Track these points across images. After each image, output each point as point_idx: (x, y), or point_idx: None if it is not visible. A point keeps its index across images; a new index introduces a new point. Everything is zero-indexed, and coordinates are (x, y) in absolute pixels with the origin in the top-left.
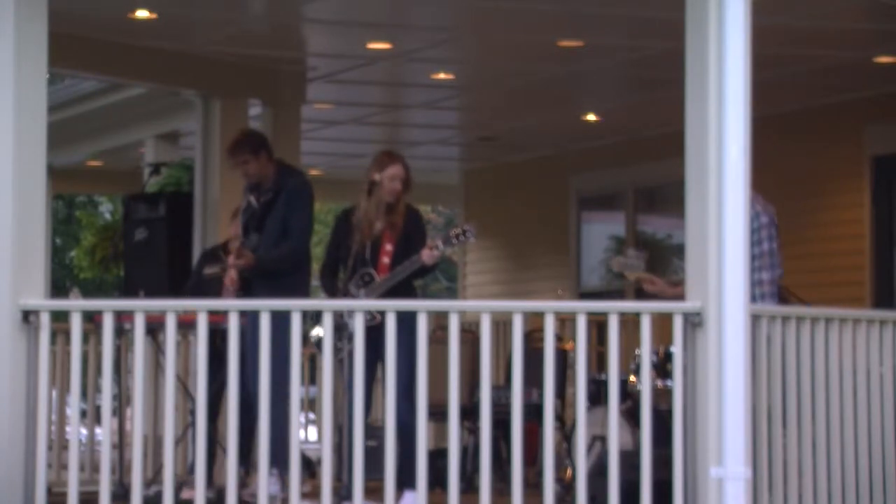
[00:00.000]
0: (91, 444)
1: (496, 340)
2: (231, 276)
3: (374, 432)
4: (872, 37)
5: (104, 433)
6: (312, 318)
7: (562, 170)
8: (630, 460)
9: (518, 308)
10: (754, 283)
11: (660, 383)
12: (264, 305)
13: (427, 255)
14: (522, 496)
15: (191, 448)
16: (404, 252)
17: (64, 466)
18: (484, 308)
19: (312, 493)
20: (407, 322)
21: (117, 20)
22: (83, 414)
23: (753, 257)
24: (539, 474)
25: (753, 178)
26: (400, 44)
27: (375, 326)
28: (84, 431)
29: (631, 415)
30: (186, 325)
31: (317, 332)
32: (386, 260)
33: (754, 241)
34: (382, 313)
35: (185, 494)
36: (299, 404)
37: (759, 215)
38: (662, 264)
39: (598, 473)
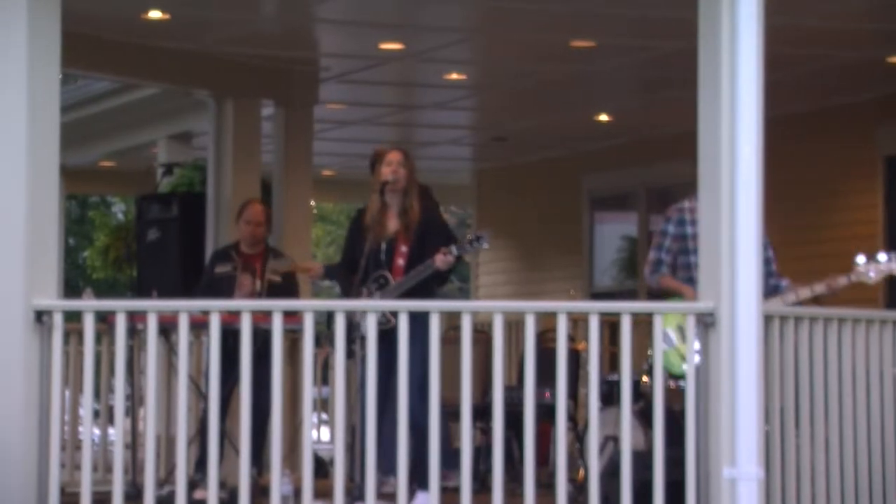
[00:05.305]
0: (104, 445)
1: (509, 341)
2: (247, 278)
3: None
4: (885, 37)
5: (117, 433)
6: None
7: (574, 170)
8: (643, 460)
9: (530, 308)
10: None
11: (672, 384)
12: (276, 306)
13: (441, 261)
14: (535, 496)
15: (200, 448)
16: (419, 255)
17: (77, 466)
18: (496, 308)
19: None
20: (421, 323)
21: (130, 21)
22: (96, 414)
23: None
24: (551, 474)
25: (765, 179)
26: (412, 44)
27: (390, 330)
28: (97, 432)
29: (643, 415)
30: (199, 325)
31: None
32: (401, 262)
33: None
34: (396, 316)
35: (197, 494)
36: (311, 404)
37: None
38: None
39: (610, 474)
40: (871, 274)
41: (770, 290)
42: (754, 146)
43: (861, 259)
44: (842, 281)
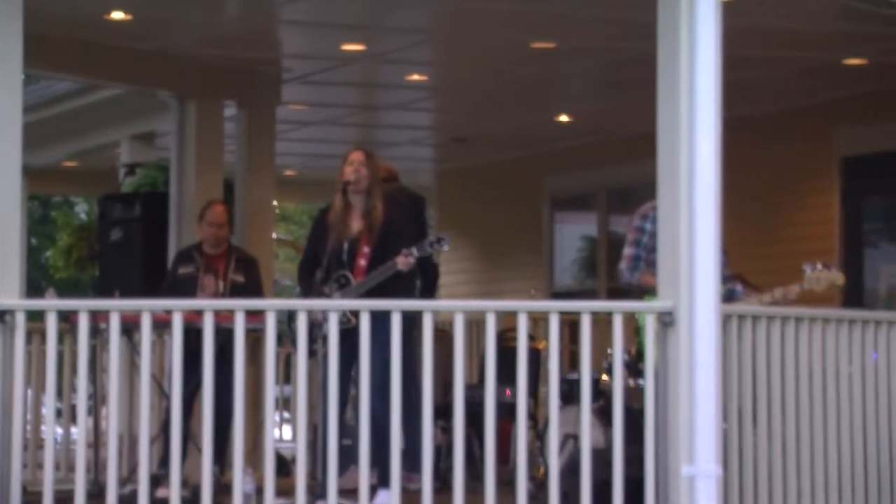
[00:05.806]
0: (66, 444)
1: (469, 340)
2: (209, 279)
3: (348, 431)
4: (842, 39)
5: (79, 432)
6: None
7: (535, 171)
8: (602, 458)
9: (491, 308)
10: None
11: (632, 382)
12: (238, 305)
13: (402, 262)
14: (496, 494)
15: (163, 446)
16: (381, 256)
17: (39, 466)
18: (457, 308)
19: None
20: (382, 322)
21: (93, 21)
22: (58, 413)
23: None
24: (512, 472)
25: (724, 179)
26: (374, 45)
27: (352, 329)
28: (59, 431)
29: (603, 413)
30: (161, 324)
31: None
32: (363, 262)
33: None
34: (357, 315)
35: (159, 493)
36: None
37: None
38: None
39: (570, 471)
40: (820, 276)
41: (725, 295)
42: (713, 146)
43: (808, 268)
44: (795, 288)
